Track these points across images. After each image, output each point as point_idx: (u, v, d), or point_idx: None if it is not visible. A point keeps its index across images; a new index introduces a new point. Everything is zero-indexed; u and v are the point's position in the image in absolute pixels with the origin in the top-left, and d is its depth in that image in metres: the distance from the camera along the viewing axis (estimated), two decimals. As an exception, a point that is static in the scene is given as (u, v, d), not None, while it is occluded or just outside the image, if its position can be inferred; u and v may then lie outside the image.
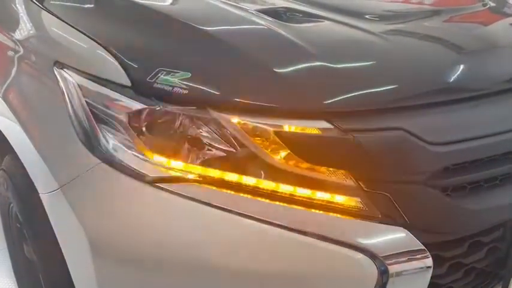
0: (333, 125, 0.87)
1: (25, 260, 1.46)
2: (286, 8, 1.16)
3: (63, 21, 1.11)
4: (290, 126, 0.87)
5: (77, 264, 0.99)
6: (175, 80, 0.89)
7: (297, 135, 0.87)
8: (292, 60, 0.92)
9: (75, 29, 1.06)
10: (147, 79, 0.90)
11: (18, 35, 1.25)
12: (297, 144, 0.87)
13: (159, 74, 0.89)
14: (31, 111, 1.13)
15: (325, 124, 0.87)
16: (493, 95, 1.01)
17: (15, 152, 1.19)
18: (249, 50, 0.94)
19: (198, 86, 0.88)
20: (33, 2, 1.26)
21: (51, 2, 1.24)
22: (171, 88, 0.88)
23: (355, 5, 1.23)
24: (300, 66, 0.91)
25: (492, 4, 1.43)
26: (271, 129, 0.87)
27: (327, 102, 0.88)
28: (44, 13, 1.19)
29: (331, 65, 0.92)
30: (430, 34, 1.14)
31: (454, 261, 0.97)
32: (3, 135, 1.28)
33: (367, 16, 1.15)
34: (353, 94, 0.89)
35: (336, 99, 0.88)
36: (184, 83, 0.88)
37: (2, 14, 1.40)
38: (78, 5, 1.19)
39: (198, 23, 0.99)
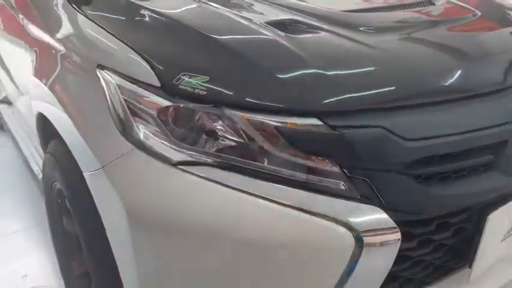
0: (323, 122, 1.06)
1: (63, 231, 1.69)
2: (290, 20, 1.35)
3: (103, 28, 1.32)
4: (288, 123, 1.07)
5: (116, 232, 1.20)
6: (196, 83, 1.09)
7: (293, 130, 1.06)
8: (291, 67, 1.11)
9: (115, 36, 1.27)
10: (173, 81, 1.10)
11: (61, 36, 1.47)
12: (293, 137, 1.06)
13: (183, 77, 1.10)
14: (76, 103, 1.35)
15: (316, 121, 1.06)
16: (461, 99, 1.19)
17: (61, 138, 1.42)
18: (256, 58, 1.13)
19: (214, 88, 1.08)
20: (75, 9, 1.47)
21: (92, 11, 1.45)
22: (192, 89, 1.09)
23: (354, 18, 1.41)
24: (297, 72, 1.11)
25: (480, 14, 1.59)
26: (273, 124, 1.07)
27: (318, 103, 1.07)
28: (85, 19, 1.40)
29: (323, 72, 1.10)
30: (411, 45, 1.32)
31: (424, 237, 1.15)
32: (49, 123, 1.50)
33: (361, 28, 1.34)
34: (340, 97, 1.08)
35: (325, 101, 1.07)
36: (203, 85, 1.08)
37: (47, 18, 1.62)
38: (115, 16, 1.40)
39: (216, 34, 1.18)
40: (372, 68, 1.16)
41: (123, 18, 1.38)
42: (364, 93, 1.11)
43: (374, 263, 1.07)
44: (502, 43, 1.42)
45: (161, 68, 1.13)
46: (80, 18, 1.44)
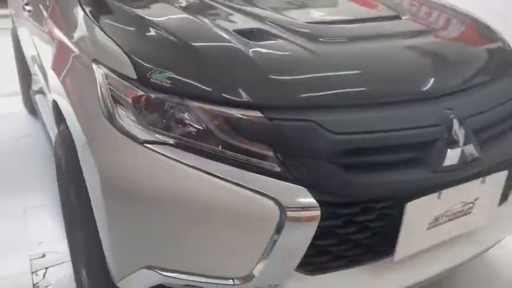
0: (263, 114, 1.28)
1: (69, 203, 1.96)
2: (257, 29, 1.57)
3: (103, 31, 1.59)
4: (235, 113, 1.29)
5: (95, 200, 1.44)
6: (164, 77, 1.34)
7: (239, 119, 1.29)
8: (241, 68, 1.34)
9: (109, 36, 1.53)
10: (147, 75, 1.35)
11: (75, 38, 1.75)
12: (239, 126, 1.29)
13: (154, 72, 1.35)
14: (77, 93, 1.62)
15: (258, 113, 1.29)
16: (390, 102, 1.38)
17: (66, 121, 1.70)
18: (214, 59, 1.37)
19: (178, 82, 1.32)
20: (86, 14, 1.74)
21: (98, 16, 1.71)
22: (161, 82, 1.33)
23: (316, 29, 1.63)
24: (245, 72, 1.34)
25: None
26: (223, 114, 1.30)
27: (260, 98, 1.29)
28: (92, 23, 1.66)
29: (267, 73, 1.33)
30: (356, 54, 1.52)
31: (348, 218, 1.35)
32: (60, 109, 1.79)
33: (321, 39, 1.55)
34: (279, 94, 1.31)
35: (266, 97, 1.30)
36: (170, 80, 1.33)
37: (66, 22, 1.90)
38: (112, 20, 1.66)
39: (185, 37, 1.43)
40: (310, 72, 1.38)
41: (118, 22, 1.63)
42: (299, 92, 1.33)
43: (296, 235, 1.27)
44: (444, 56, 1.60)
45: (138, 63, 1.38)
46: (88, 22, 1.71)
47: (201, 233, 1.31)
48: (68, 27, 1.81)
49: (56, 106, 1.90)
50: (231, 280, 1.33)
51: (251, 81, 1.33)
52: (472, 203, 1.52)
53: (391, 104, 1.39)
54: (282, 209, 1.25)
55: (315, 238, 1.32)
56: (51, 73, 1.91)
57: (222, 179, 1.27)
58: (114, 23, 1.62)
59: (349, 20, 1.80)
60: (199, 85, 1.32)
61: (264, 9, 1.76)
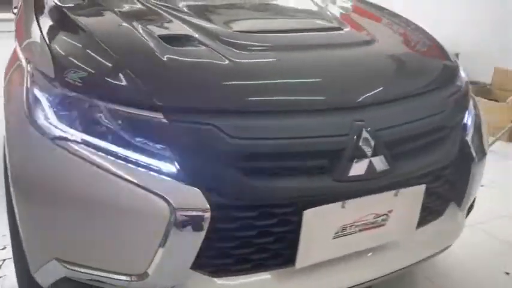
0: (164, 116, 1.32)
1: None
2: (184, 35, 1.62)
3: (42, 34, 1.66)
4: (138, 114, 1.33)
5: (12, 194, 1.49)
6: (76, 77, 1.39)
7: (141, 120, 1.33)
8: (148, 71, 1.39)
9: (45, 39, 1.60)
10: (63, 74, 1.41)
11: (22, 44, 1.81)
12: (141, 126, 1.33)
13: (69, 72, 1.41)
14: (11, 92, 1.67)
15: (159, 115, 1.32)
16: (292, 111, 1.40)
17: None
18: (124, 63, 1.42)
19: (88, 82, 1.38)
20: (37, 23, 1.80)
21: (46, 22, 1.76)
22: (73, 81, 1.39)
23: (245, 38, 1.66)
24: (152, 75, 1.39)
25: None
26: (127, 115, 1.34)
27: (162, 100, 1.33)
28: (37, 29, 1.72)
29: (173, 76, 1.38)
30: (272, 63, 1.55)
31: (248, 221, 1.37)
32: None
33: (245, 47, 1.58)
34: (180, 98, 1.35)
35: (168, 99, 1.34)
36: (81, 79, 1.39)
37: (21, 31, 1.97)
38: (53, 23, 1.73)
39: (103, 40, 1.49)
40: (217, 78, 1.41)
41: (56, 27, 1.70)
42: (201, 97, 1.36)
43: (185, 236, 1.29)
44: (365, 68, 1.61)
45: (57, 63, 1.45)
46: (35, 28, 1.75)
47: (99, 229, 1.34)
48: (20, 35, 1.90)
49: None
50: (128, 277, 1.36)
51: (156, 84, 1.37)
52: (386, 215, 1.51)
53: (296, 113, 1.40)
54: (173, 209, 1.28)
55: (213, 240, 1.34)
56: (2, 77, 1.99)
57: (119, 177, 1.31)
58: (53, 28, 1.70)
59: (285, 30, 1.82)
60: (107, 85, 1.38)
61: (205, 19, 1.80)
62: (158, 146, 1.32)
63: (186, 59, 1.48)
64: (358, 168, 1.40)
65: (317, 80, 1.51)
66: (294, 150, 1.37)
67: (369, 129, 1.42)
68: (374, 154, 1.42)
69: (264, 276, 1.45)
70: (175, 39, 1.57)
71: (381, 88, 1.55)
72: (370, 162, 1.42)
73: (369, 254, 1.58)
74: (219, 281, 1.40)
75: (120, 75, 1.39)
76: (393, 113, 1.51)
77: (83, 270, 1.40)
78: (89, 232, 1.36)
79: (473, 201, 2.07)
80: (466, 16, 4.83)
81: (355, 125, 1.41)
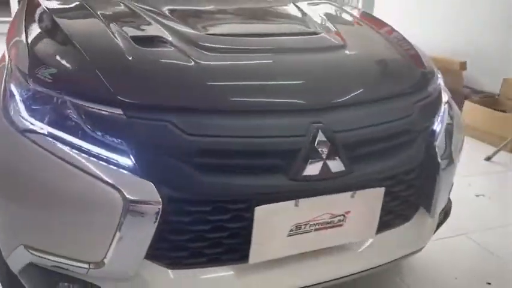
0: (123, 112, 1.39)
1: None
2: (155, 36, 1.69)
3: (26, 35, 1.75)
4: (99, 109, 1.41)
5: None
6: (47, 73, 1.48)
7: (102, 115, 1.40)
8: (112, 69, 1.47)
9: (27, 38, 1.70)
10: (35, 71, 1.50)
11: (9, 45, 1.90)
12: (101, 121, 1.40)
13: (40, 69, 1.49)
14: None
15: (118, 111, 1.39)
16: (249, 111, 1.45)
17: None
18: (92, 60, 1.49)
19: (57, 78, 1.46)
20: (23, 24, 1.89)
21: (31, 24, 1.86)
22: (44, 78, 1.47)
23: (215, 40, 1.72)
24: (114, 72, 1.46)
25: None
26: (90, 110, 1.41)
27: (122, 98, 1.40)
28: (23, 31, 1.82)
29: (134, 74, 1.44)
30: (235, 64, 1.60)
31: (201, 216, 1.42)
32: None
33: (212, 50, 1.64)
34: (139, 95, 1.41)
35: (126, 96, 1.40)
36: (51, 75, 1.47)
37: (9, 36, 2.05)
38: (37, 28, 1.82)
39: (75, 40, 1.57)
40: (176, 77, 1.48)
41: (39, 28, 1.79)
42: (159, 94, 1.43)
43: (137, 227, 1.35)
44: (330, 72, 1.65)
45: (32, 59, 1.54)
46: (21, 30, 1.84)
47: (59, 217, 1.42)
48: (9, 36, 1.99)
49: None
50: (87, 264, 1.43)
51: (118, 82, 1.44)
52: (343, 216, 1.54)
53: (253, 113, 1.45)
54: (126, 200, 1.34)
55: (168, 232, 1.40)
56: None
57: (79, 168, 1.37)
58: (36, 29, 1.80)
59: (258, 34, 1.88)
60: (74, 82, 1.46)
61: (184, 23, 1.85)
62: (117, 140, 1.39)
63: (151, 59, 1.55)
64: (312, 169, 1.44)
65: (278, 82, 1.55)
66: (247, 149, 1.42)
67: (325, 131, 1.45)
68: (330, 156, 1.46)
69: (219, 270, 1.50)
70: (147, 41, 1.64)
71: (342, 92, 1.59)
72: (325, 163, 1.45)
73: (328, 255, 1.61)
74: (173, 272, 1.45)
75: (87, 73, 1.47)
76: (352, 117, 1.54)
77: (47, 256, 1.47)
78: (51, 220, 1.43)
79: (449, 208, 2.08)
80: (474, 25, 4.79)
81: (312, 127, 1.45)
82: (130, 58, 1.51)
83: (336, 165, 1.47)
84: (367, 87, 1.66)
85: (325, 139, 1.45)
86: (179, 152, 1.38)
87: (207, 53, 1.61)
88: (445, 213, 2.06)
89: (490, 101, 4.25)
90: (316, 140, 1.44)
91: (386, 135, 1.59)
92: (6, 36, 1.99)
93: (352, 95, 1.59)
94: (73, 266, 1.45)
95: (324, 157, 1.45)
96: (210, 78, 1.51)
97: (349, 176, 1.49)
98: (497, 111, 4.05)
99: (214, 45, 1.65)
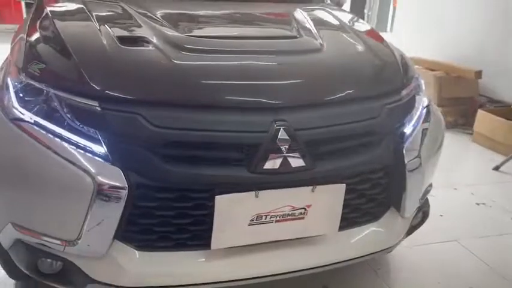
0: (98, 104, 1.53)
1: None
2: (139, 37, 1.82)
3: (27, 34, 1.92)
4: (77, 101, 1.55)
5: None
6: (36, 67, 1.64)
7: (79, 106, 1.54)
8: (93, 65, 1.61)
9: (26, 38, 1.87)
10: (27, 65, 1.66)
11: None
12: (78, 112, 1.54)
13: (32, 63, 1.65)
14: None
15: (94, 103, 1.54)
16: (215, 107, 1.57)
17: None
18: (76, 57, 1.64)
19: (44, 72, 1.62)
20: (27, 27, 2.05)
21: (34, 24, 2.03)
22: (33, 71, 1.64)
23: (194, 42, 1.84)
24: (96, 70, 1.60)
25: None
26: (70, 101, 1.56)
27: (98, 91, 1.55)
28: (24, 31, 1.98)
29: (111, 70, 1.59)
30: (209, 64, 1.72)
31: (166, 202, 1.54)
32: None
33: (190, 50, 1.76)
34: (112, 90, 1.55)
35: (103, 90, 1.55)
36: (40, 70, 1.63)
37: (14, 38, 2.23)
38: (37, 28, 1.98)
39: (66, 38, 1.72)
40: (150, 73, 1.61)
41: (39, 28, 1.95)
42: (132, 89, 1.57)
43: (105, 210, 1.48)
44: (298, 72, 1.74)
45: (27, 55, 1.71)
46: (24, 28, 2.03)
47: (40, 198, 1.56)
48: (14, 37, 2.17)
49: None
50: (63, 242, 1.57)
51: (96, 77, 1.58)
52: (304, 209, 1.63)
53: (218, 108, 1.57)
54: (96, 184, 1.47)
55: (136, 216, 1.53)
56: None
57: (57, 154, 1.52)
58: (36, 29, 1.96)
59: (239, 36, 1.99)
60: (58, 76, 1.62)
61: (172, 25, 1.96)
62: (92, 130, 1.53)
63: (129, 57, 1.68)
64: (272, 163, 1.54)
65: (246, 81, 1.66)
66: (210, 142, 1.53)
67: (287, 128, 1.55)
68: (290, 151, 1.55)
69: (184, 255, 1.61)
70: (131, 41, 1.78)
71: (307, 92, 1.68)
72: (285, 158, 1.55)
73: (290, 247, 1.69)
74: (138, 253, 1.57)
75: (71, 68, 1.62)
76: (315, 116, 1.63)
77: (31, 234, 1.62)
78: (33, 200, 1.58)
79: (427, 210, 2.13)
80: (491, 35, 4.75)
81: (274, 124, 1.55)
82: (110, 56, 1.65)
83: (295, 161, 1.56)
84: (333, 89, 1.74)
85: (286, 136, 1.55)
86: (147, 143, 1.50)
87: (185, 53, 1.73)
88: (423, 215, 2.11)
89: (504, 110, 4.21)
90: (278, 137, 1.54)
91: (349, 135, 1.67)
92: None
93: (317, 95, 1.68)
94: (52, 243, 1.60)
95: (285, 153, 1.55)
96: (180, 76, 1.63)
97: (309, 172, 1.58)
98: (510, 120, 4.01)
99: (193, 46, 1.77)
